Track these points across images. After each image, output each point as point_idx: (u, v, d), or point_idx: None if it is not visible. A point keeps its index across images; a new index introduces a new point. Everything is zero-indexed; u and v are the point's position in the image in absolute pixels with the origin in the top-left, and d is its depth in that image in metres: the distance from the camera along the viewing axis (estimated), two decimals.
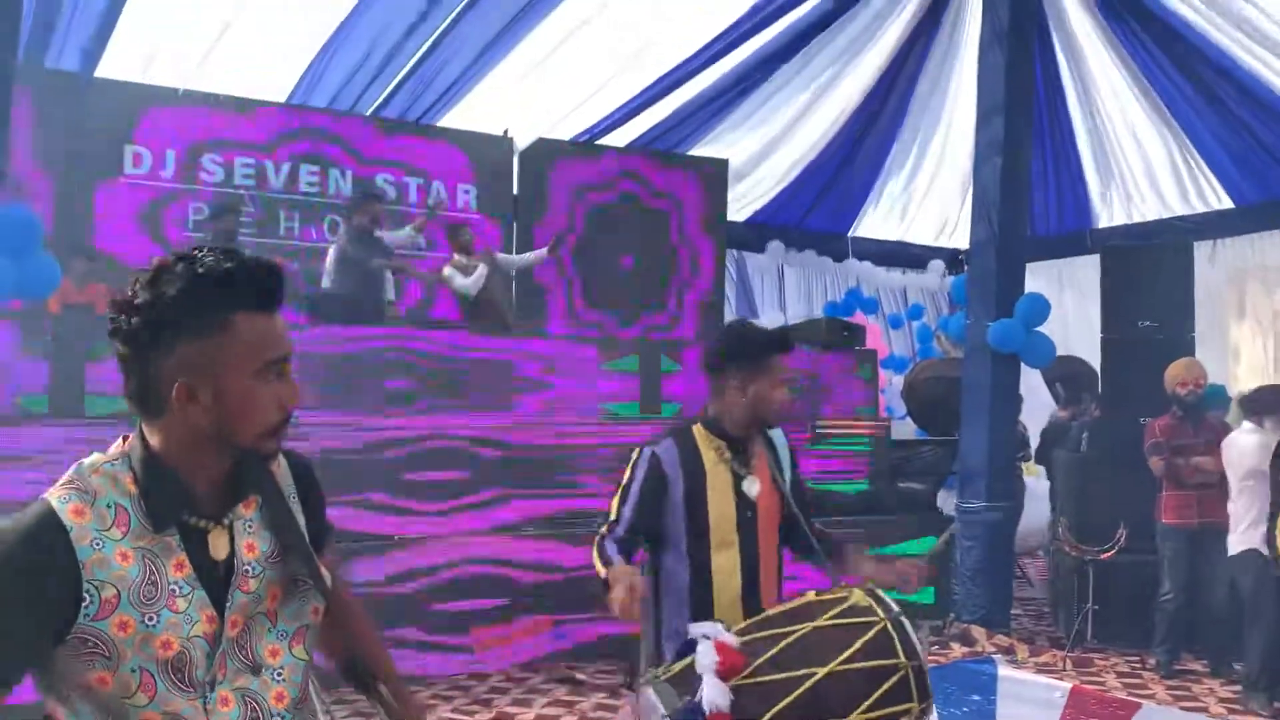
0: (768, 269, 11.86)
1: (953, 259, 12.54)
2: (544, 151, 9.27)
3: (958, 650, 6.66)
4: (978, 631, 6.96)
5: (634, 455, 2.82)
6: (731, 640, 2.34)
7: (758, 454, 2.85)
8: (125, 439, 1.42)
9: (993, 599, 7.28)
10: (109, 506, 1.34)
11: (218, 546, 1.40)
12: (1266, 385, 6.13)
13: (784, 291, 11.92)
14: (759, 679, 2.26)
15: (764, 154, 10.47)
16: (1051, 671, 6.36)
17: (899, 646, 2.33)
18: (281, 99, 8.49)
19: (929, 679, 2.35)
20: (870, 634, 2.33)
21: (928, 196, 11.66)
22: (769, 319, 10.92)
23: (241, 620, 1.41)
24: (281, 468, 1.55)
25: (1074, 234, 11.11)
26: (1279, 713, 5.42)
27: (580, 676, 6.04)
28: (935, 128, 10.49)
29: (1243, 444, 5.80)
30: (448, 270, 7.54)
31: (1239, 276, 10.42)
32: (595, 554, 2.66)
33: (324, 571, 1.53)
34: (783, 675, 2.27)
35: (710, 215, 9.91)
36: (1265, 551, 5.50)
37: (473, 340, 6.53)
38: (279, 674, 1.44)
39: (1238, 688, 5.91)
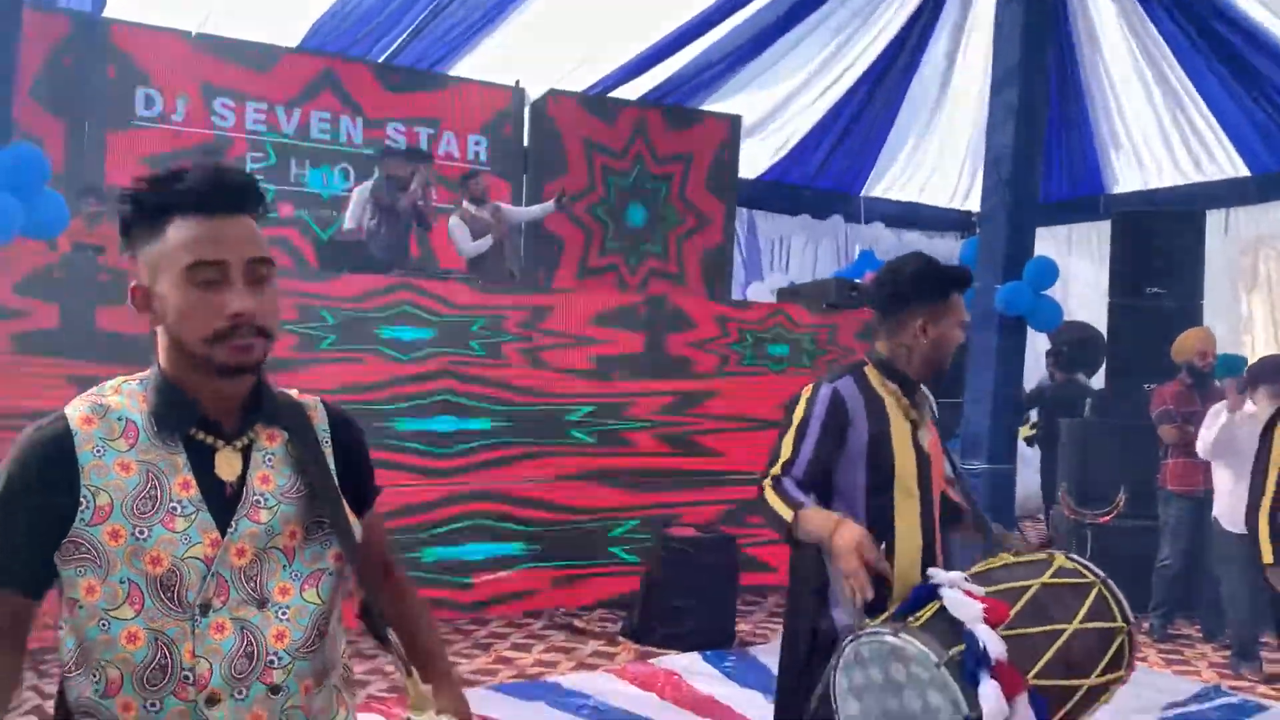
0: (777, 228, 11.80)
1: (965, 222, 12.47)
2: (555, 104, 9.23)
3: None
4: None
5: (806, 391, 2.49)
6: (979, 590, 2.18)
7: (925, 406, 2.62)
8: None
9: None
10: (119, 419, 1.37)
11: (225, 467, 1.40)
12: (1266, 356, 6.11)
13: (791, 251, 11.88)
14: (1019, 630, 2.13)
15: (777, 111, 10.40)
16: None
17: (1115, 610, 2.30)
18: (294, 44, 8.46)
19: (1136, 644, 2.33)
20: (1093, 594, 2.28)
21: (941, 158, 11.59)
22: (775, 279, 10.89)
23: (251, 551, 1.38)
24: (319, 412, 1.54)
25: (1086, 199, 11.04)
26: (1269, 678, 5.48)
27: (579, 624, 6.13)
28: (950, 88, 10.39)
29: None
30: (454, 221, 7.49)
31: (1253, 246, 10.34)
32: (773, 496, 2.34)
33: (352, 520, 1.49)
34: (1039, 629, 2.17)
35: (721, 172, 9.86)
36: (1227, 527, 5.55)
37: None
38: (284, 613, 1.40)
39: (1230, 652, 5.97)
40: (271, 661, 1.38)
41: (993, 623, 2.09)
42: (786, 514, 2.28)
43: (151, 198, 1.37)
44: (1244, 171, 9.90)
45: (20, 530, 1.33)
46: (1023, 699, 2.01)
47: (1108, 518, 6.66)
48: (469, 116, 9.08)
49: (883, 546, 2.24)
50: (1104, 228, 8.70)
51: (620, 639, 5.88)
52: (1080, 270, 10.77)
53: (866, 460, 2.44)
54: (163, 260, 1.36)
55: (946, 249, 12.75)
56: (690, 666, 5.37)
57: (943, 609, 2.14)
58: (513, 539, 6.22)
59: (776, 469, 2.39)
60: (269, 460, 1.44)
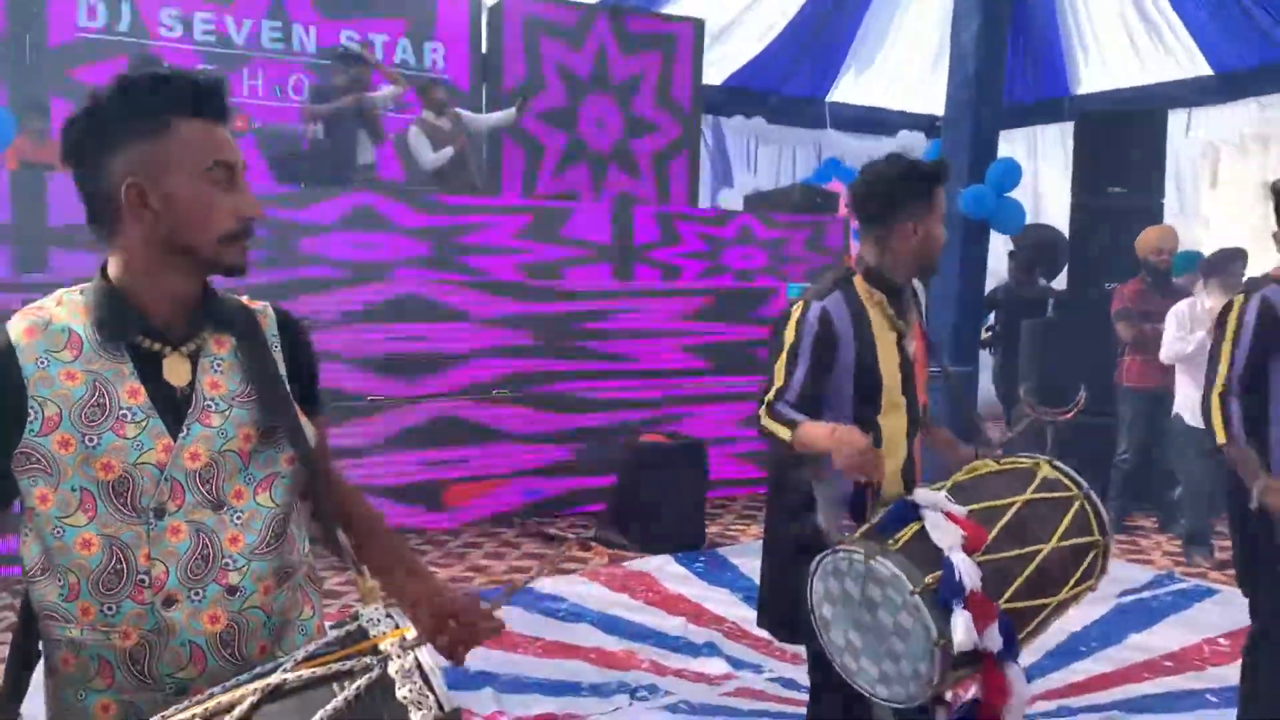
0: (744, 135, 11.68)
1: (930, 125, 12.40)
2: (512, 8, 8.99)
3: None
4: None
5: (795, 311, 2.48)
6: (960, 511, 2.24)
7: (912, 312, 2.61)
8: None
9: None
10: (63, 330, 1.37)
11: (174, 372, 1.41)
12: (1217, 249, 6.20)
13: (760, 156, 11.79)
14: (993, 555, 2.18)
15: (740, 14, 10.20)
16: None
17: (1094, 523, 2.34)
18: None
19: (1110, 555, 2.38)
20: (1073, 510, 2.32)
21: (908, 61, 11.46)
22: (743, 185, 10.83)
23: (205, 454, 1.39)
24: (267, 317, 1.54)
25: (1051, 101, 10.99)
26: (1220, 564, 5.66)
27: (552, 531, 6.21)
28: None
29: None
30: (414, 130, 7.32)
31: (1214, 145, 10.39)
32: (769, 420, 2.39)
33: (304, 422, 1.50)
34: (1014, 552, 2.21)
35: (686, 77, 9.70)
36: (1189, 422, 5.70)
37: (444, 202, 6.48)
38: (238, 517, 1.41)
39: (1183, 541, 6.18)
40: (227, 564, 1.40)
41: (970, 549, 2.14)
42: (785, 434, 2.33)
43: (152, 98, 1.36)
44: (1206, 71, 9.89)
45: None
46: (993, 626, 2.10)
47: (1068, 416, 6.77)
48: (424, 23, 8.84)
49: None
50: (1070, 129, 8.69)
51: (593, 544, 5.97)
52: (1048, 173, 10.77)
53: (854, 375, 2.47)
54: (172, 157, 1.36)
55: (914, 152, 12.71)
56: (662, 567, 5.48)
57: (922, 530, 2.19)
58: (488, 452, 6.26)
59: (771, 395, 2.43)
60: (217, 365, 1.44)
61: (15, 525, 1.42)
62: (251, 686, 1.18)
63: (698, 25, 9.76)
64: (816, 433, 2.26)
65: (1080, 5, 9.98)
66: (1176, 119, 9.11)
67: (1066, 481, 2.39)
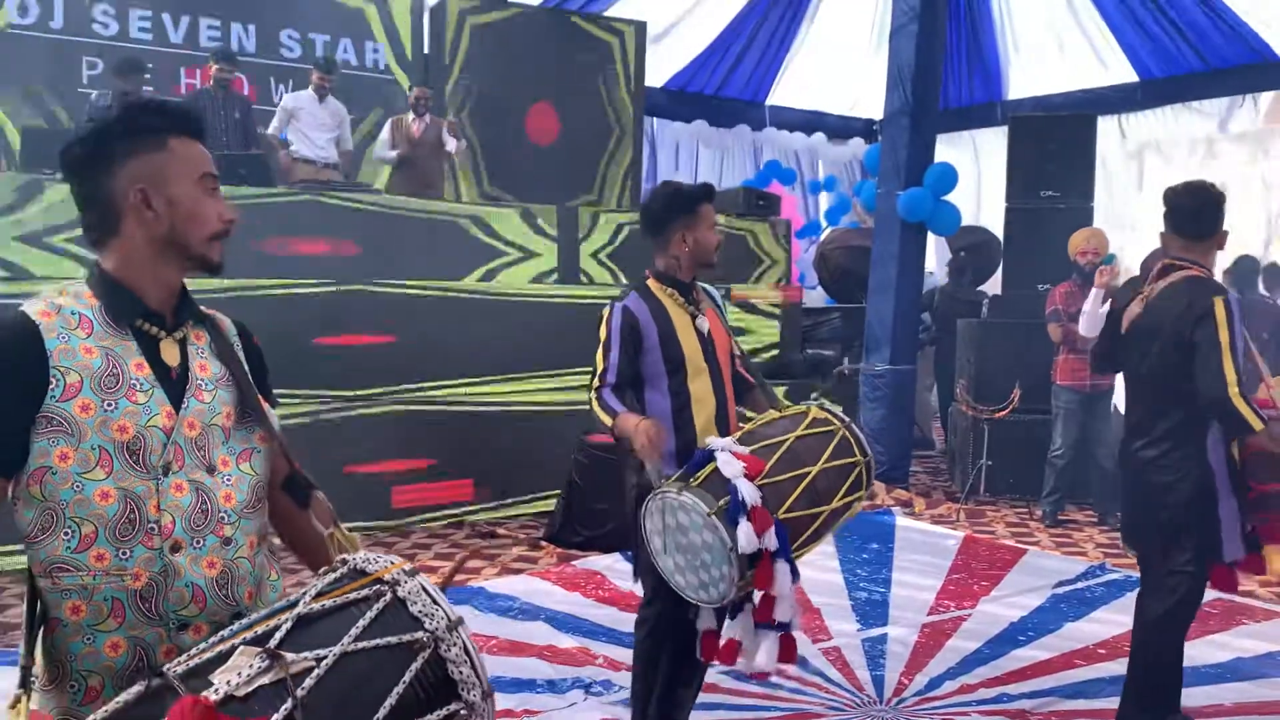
0: (684, 137, 11.79)
1: (869, 128, 12.64)
2: (454, 9, 8.98)
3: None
4: (878, 486, 7.33)
5: (605, 312, 3.14)
6: (744, 450, 2.81)
7: (702, 299, 3.28)
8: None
9: (892, 456, 7.65)
10: (73, 314, 1.57)
11: (168, 354, 1.63)
12: (1151, 253, 6.42)
13: (700, 159, 11.90)
14: (772, 479, 2.76)
15: (682, 17, 10.30)
16: (946, 522, 6.77)
17: (855, 448, 2.93)
18: None
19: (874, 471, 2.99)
20: (836, 439, 2.91)
21: (846, 65, 11.66)
22: None
23: (199, 425, 1.62)
24: (224, 323, 1.77)
25: (985, 105, 11.27)
26: None
27: (501, 531, 6.24)
28: None
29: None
30: (388, 124, 7.89)
31: (1140, 150, 10.74)
32: (597, 407, 3.02)
33: (267, 409, 1.74)
34: (788, 475, 2.79)
35: (628, 80, 9.76)
36: None
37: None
38: (228, 479, 1.65)
39: (1117, 534, 6.39)
40: (223, 517, 1.63)
41: (751, 475, 2.72)
42: (608, 420, 2.98)
43: (154, 120, 1.62)
44: (1133, 77, 10.23)
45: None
46: (770, 531, 2.67)
47: (1003, 413, 6.98)
48: (366, 24, 8.81)
49: (684, 414, 3.10)
50: (1002, 133, 8.92)
51: (542, 544, 6.01)
52: (990, 176, 11.03)
53: (661, 351, 3.11)
54: (174, 169, 1.62)
55: (851, 155, 12.93)
56: (612, 566, 5.53)
57: (717, 467, 2.76)
58: (431, 452, 6.27)
59: (596, 381, 3.07)
60: (201, 352, 1.69)
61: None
62: (283, 615, 1.39)
63: (639, 28, 9.82)
64: (626, 425, 2.91)
65: (1014, 12, 10.25)
66: (1106, 124, 9.42)
67: (832, 419, 2.97)
